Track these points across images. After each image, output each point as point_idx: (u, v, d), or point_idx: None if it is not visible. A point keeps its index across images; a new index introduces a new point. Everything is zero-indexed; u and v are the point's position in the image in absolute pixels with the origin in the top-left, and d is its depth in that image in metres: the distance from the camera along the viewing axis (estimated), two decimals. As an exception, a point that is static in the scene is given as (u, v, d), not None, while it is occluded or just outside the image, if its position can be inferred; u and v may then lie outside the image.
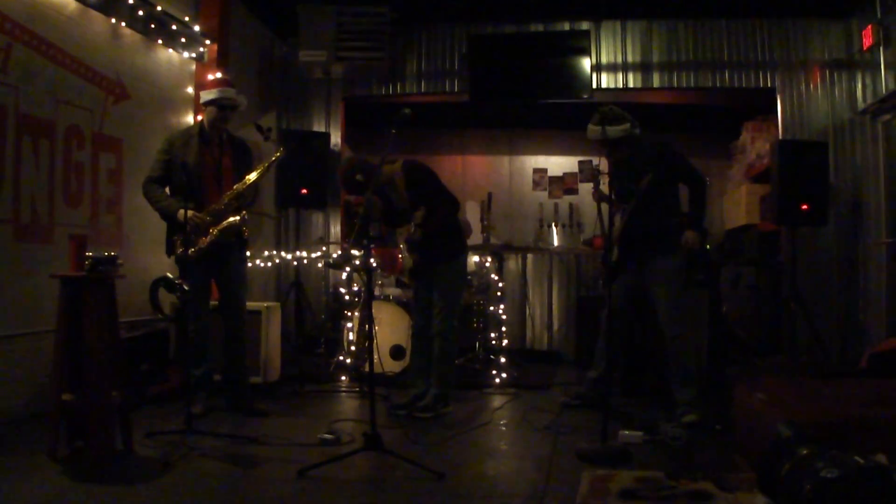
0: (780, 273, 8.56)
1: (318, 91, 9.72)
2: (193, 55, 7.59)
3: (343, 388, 7.09)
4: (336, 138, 9.62)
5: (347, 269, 7.93)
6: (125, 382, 4.85)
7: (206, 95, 5.88)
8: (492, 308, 8.04)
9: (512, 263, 9.56)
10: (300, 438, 5.14)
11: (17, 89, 5.50)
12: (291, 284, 8.73)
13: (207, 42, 7.67)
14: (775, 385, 4.08)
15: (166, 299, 6.63)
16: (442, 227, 5.97)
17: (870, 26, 7.70)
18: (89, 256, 4.58)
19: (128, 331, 6.16)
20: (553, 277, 9.66)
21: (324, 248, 8.84)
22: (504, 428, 5.77)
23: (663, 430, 5.23)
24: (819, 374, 6.37)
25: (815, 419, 3.34)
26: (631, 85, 9.07)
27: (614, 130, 5.87)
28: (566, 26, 9.20)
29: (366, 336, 6.62)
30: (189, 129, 6.07)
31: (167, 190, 5.79)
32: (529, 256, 9.61)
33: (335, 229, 9.68)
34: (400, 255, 7.27)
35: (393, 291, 7.70)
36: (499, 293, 8.20)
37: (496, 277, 8.19)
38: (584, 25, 9.10)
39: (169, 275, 5.66)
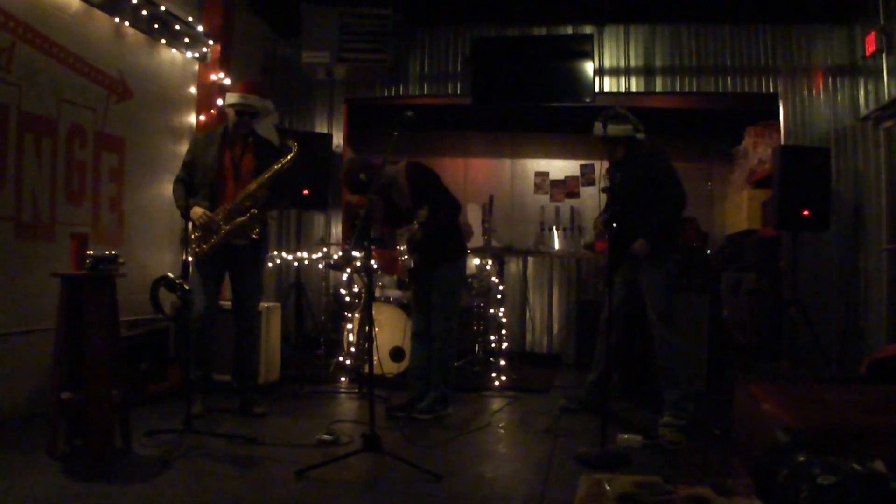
0: (781, 278, 8.56)
1: (320, 92, 9.74)
2: (196, 55, 7.60)
3: (342, 389, 7.09)
4: (338, 139, 9.63)
5: (348, 270, 7.94)
6: (125, 381, 4.86)
7: (227, 98, 5.91)
8: (492, 311, 8.04)
9: (513, 266, 9.56)
10: (299, 439, 5.14)
11: (20, 88, 5.50)
12: (292, 285, 8.74)
13: (210, 42, 7.68)
14: (774, 390, 4.07)
15: (167, 299, 6.63)
16: (443, 228, 5.97)
17: (873, 33, 7.70)
18: (90, 255, 4.59)
19: (128, 330, 6.17)
20: (553, 281, 9.65)
21: (325, 249, 8.85)
22: (503, 431, 5.77)
23: (661, 434, 5.24)
24: (818, 380, 6.37)
25: (813, 425, 3.34)
26: (633, 89, 9.07)
27: (614, 129, 5.92)
28: (569, 30, 9.22)
29: (366, 337, 6.63)
30: (215, 128, 6.13)
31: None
32: (530, 259, 9.61)
33: (336, 230, 9.69)
34: (401, 257, 7.30)
35: (393, 293, 7.70)
36: (499, 296, 8.21)
37: (497, 280, 8.20)
38: (588, 29, 9.12)
39: (170, 274, 5.64)
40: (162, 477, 4.27)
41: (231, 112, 5.84)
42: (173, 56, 7.37)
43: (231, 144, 5.84)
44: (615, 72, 9.11)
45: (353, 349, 7.44)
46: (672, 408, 5.68)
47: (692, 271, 6.96)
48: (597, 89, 8.94)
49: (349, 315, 7.70)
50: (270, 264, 8.52)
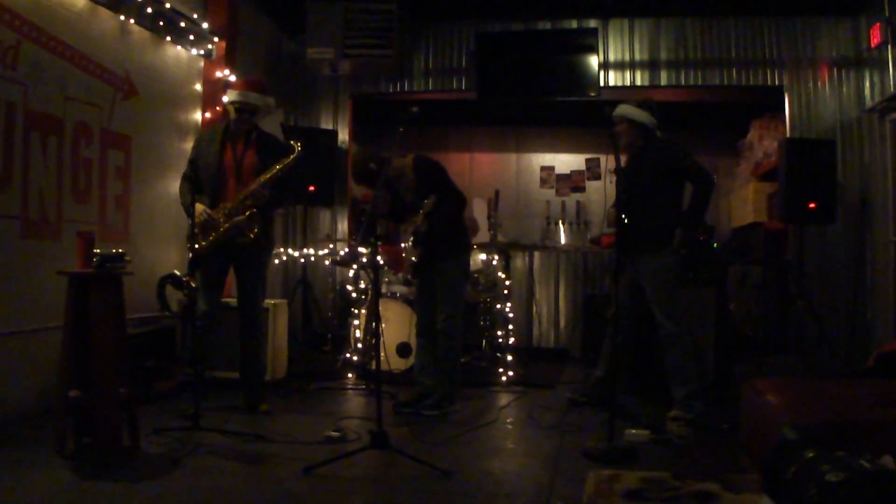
0: (787, 271, 8.55)
1: (325, 88, 9.75)
2: (202, 52, 7.61)
3: (349, 386, 7.10)
4: (343, 135, 9.63)
5: (354, 266, 7.94)
6: (132, 379, 4.87)
7: (228, 95, 5.90)
8: (498, 306, 8.03)
9: (519, 261, 9.55)
10: (307, 436, 5.15)
11: (26, 86, 5.51)
12: (298, 281, 8.74)
13: (216, 39, 7.68)
14: (782, 386, 4.06)
15: (174, 296, 6.65)
16: (448, 221, 5.98)
17: (878, 24, 7.68)
18: (97, 253, 4.59)
19: (134, 327, 6.18)
20: (560, 275, 9.64)
21: (331, 246, 8.85)
22: (510, 426, 5.77)
23: (669, 429, 5.24)
24: (826, 375, 6.36)
25: (821, 421, 3.34)
26: (639, 83, 9.06)
27: (641, 114, 5.93)
28: (574, 24, 9.21)
29: (372, 333, 6.63)
30: (218, 125, 6.09)
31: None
32: (536, 254, 9.60)
33: (342, 226, 9.70)
34: (403, 252, 7.29)
35: (399, 289, 7.70)
36: (505, 291, 8.20)
37: (503, 275, 8.19)
38: (592, 23, 9.11)
39: (176, 272, 5.67)
40: (170, 474, 4.28)
41: (231, 109, 5.84)
42: (178, 53, 7.38)
43: (233, 141, 5.81)
44: (620, 66, 9.10)
45: (359, 345, 7.44)
46: (680, 405, 5.66)
47: (699, 265, 6.95)
48: (602, 83, 8.93)
49: (356, 311, 7.70)
50: (276, 261, 8.53)
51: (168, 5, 6.91)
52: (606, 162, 11.30)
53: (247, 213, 5.63)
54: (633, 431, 5.14)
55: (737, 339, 7.94)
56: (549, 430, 5.51)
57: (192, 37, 7.38)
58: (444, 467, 4.36)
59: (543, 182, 11.87)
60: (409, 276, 7.17)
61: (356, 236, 8.21)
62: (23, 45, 5.45)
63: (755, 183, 9.84)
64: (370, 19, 8.74)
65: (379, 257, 5.17)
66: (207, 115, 7.60)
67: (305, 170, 8.53)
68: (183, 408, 5.48)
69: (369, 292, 7.43)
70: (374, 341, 5.28)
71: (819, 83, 8.61)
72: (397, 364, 7.24)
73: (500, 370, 7.36)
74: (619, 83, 9.09)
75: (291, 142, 5.80)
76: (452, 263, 6.05)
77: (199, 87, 7.64)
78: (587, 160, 11.60)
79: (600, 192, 11.47)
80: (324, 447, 4.87)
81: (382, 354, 5.33)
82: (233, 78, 7.66)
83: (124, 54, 6.60)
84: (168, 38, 7.14)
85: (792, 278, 8.22)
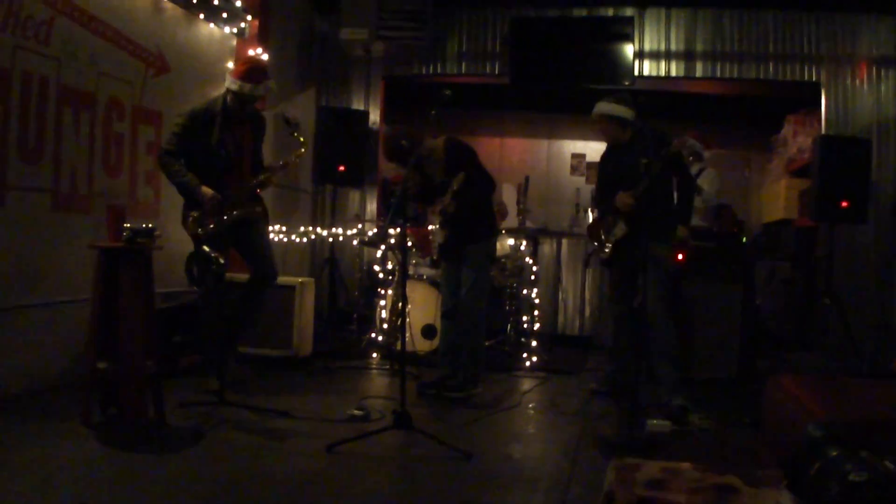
0: (816, 269, 8.49)
1: (358, 69, 9.75)
2: (234, 30, 7.62)
3: (374, 366, 7.14)
4: (375, 116, 9.65)
5: (382, 247, 7.96)
6: (159, 353, 4.91)
7: (227, 82, 5.77)
8: (525, 291, 8.02)
9: (546, 248, 9.51)
10: (330, 414, 5.19)
11: (60, 61, 5.55)
12: (326, 260, 8.77)
13: (249, 17, 7.69)
14: (807, 383, 4.05)
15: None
16: (476, 204, 5.99)
17: (919, 23, 7.60)
18: (127, 228, 4.62)
19: (162, 302, 6.21)
20: (587, 263, 9.61)
21: (359, 226, 8.88)
22: (532, 411, 5.78)
23: (691, 421, 5.23)
24: (850, 374, 6.32)
25: (846, 419, 3.33)
26: (673, 73, 9.00)
27: (624, 110, 5.93)
28: (610, 12, 9.14)
29: (398, 314, 6.65)
30: (212, 104, 5.79)
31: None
32: (564, 241, 9.56)
33: (371, 207, 9.73)
34: (431, 234, 7.30)
35: (426, 271, 7.71)
36: (532, 277, 8.19)
37: (530, 261, 8.18)
38: (628, 11, 9.04)
39: (205, 248, 5.67)
40: (194, 448, 4.34)
41: (231, 96, 5.69)
42: (211, 31, 7.40)
43: (232, 124, 5.72)
44: (655, 55, 9.04)
45: (385, 325, 7.47)
46: (676, 391, 5.61)
47: (727, 259, 6.91)
48: (636, 73, 8.86)
49: (382, 292, 7.73)
50: (304, 239, 8.57)
51: (202, -18, 6.94)
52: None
53: (255, 201, 5.73)
54: (654, 422, 5.12)
55: (762, 334, 7.90)
56: (571, 417, 5.52)
57: (225, 14, 7.39)
58: (466, 449, 4.37)
59: (574, 169, 11.85)
60: (435, 258, 7.18)
61: (385, 217, 8.22)
62: (56, 21, 5.48)
63: (787, 179, 9.77)
64: (405, 1, 8.72)
65: (407, 239, 5.17)
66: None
67: (336, 149, 8.59)
68: (208, 383, 5.51)
69: (396, 273, 7.45)
70: (399, 322, 5.29)
71: (857, 81, 8.51)
72: (422, 346, 7.26)
73: (524, 355, 7.37)
74: (654, 73, 9.03)
75: (295, 134, 5.80)
76: (478, 247, 6.04)
77: (231, 64, 7.64)
78: (618, 149, 11.56)
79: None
80: (347, 425, 4.91)
81: (407, 335, 5.35)
82: (265, 57, 7.66)
83: (157, 31, 6.63)
84: (201, 16, 7.16)
85: (820, 276, 8.16)
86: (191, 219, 5.61)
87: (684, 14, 8.97)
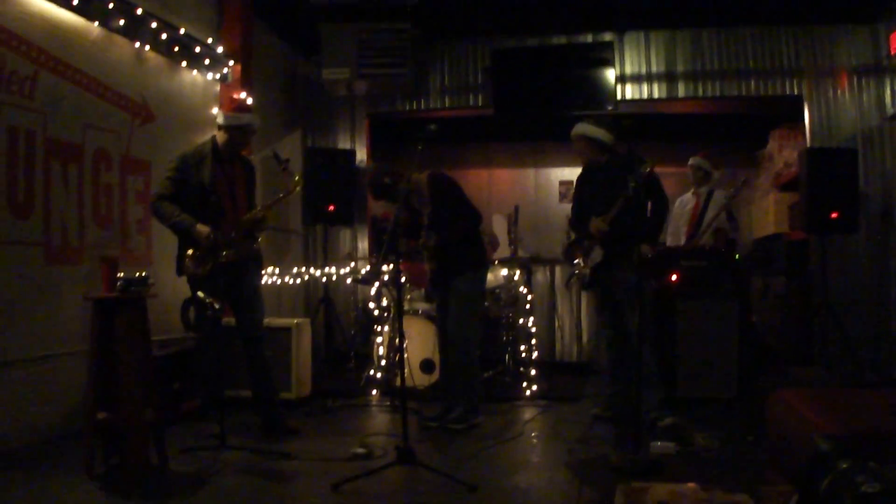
0: (810, 282, 8.49)
1: (342, 108, 9.79)
2: (217, 76, 7.66)
3: (374, 403, 7.11)
4: (361, 155, 9.68)
5: (376, 284, 7.95)
6: (158, 400, 4.88)
7: (220, 119, 5.81)
8: (521, 321, 8.02)
9: (540, 275, 9.52)
10: (333, 453, 5.16)
11: (45, 115, 5.58)
12: (320, 300, 8.77)
13: (231, 63, 7.74)
14: (811, 397, 4.04)
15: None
16: (462, 237, 6.01)
17: (896, 31, 7.67)
18: (121, 277, 4.64)
19: (159, 349, 6.19)
20: (568, 285, 9.61)
21: (352, 264, 8.88)
22: (535, 440, 5.76)
23: (696, 442, 5.21)
24: (853, 385, 6.31)
25: (853, 431, 3.31)
26: (656, 95, 9.05)
27: (604, 133, 6.08)
28: (589, 38, 9.21)
29: (396, 350, 6.63)
30: (201, 147, 5.83)
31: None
32: (557, 268, 9.57)
33: (363, 245, 9.73)
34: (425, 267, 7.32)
35: (422, 305, 7.70)
36: (527, 306, 8.19)
37: (524, 290, 8.17)
38: (608, 37, 9.10)
39: (200, 293, 5.66)
40: (198, 493, 4.31)
41: (222, 133, 5.73)
42: (194, 78, 7.43)
43: (224, 163, 5.74)
44: (637, 78, 9.09)
45: (383, 362, 7.45)
46: (662, 411, 5.66)
47: (721, 276, 6.91)
48: (619, 97, 8.90)
49: (378, 328, 7.71)
50: (298, 280, 8.56)
51: (182, 31, 6.98)
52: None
53: (252, 238, 5.70)
54: (659, 444, 5.11)
55: (760, 350, 7.89)
56: (575, 444, 5.49)
57: (207, 61, 7.44)
58: (471, 482, 4.35)
59: (563, 196, 11.85)
60: (429, 290, 7.18)
61: (378, 254, 8.22)
62: (40, 75, 5.53)
63: (776, 193, 9.80)
64: (384, 39, 8.76)
65: (401, 274, 5.17)
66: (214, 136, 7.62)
67: (325, 189, 8.61)
68: (209, 427, 5.47)
69: (391, 309, 7.43)
70: (397, 358, 5.28)
71: (839, 92, 8.57)
72: (421, 380, 7.23)
73: (524, 385, 7.35)
74: (637, 96, 9.08)
75: (287, 170, 5.80)
76: (466, 279, 6.04)
77: (215, 110, 7.62)
78: (605, 174, 11.59)
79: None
80: (351, 464, 4.87)
81: (406, 370, 5.33)
82: (249, 101, 7.70)
83: (141, 80, 6.66)
84: (184, 64, 7.20)
85: (815, 289, 8.17)
86: (187, 258, 5.56)
87: (663, 36, 9.04)
